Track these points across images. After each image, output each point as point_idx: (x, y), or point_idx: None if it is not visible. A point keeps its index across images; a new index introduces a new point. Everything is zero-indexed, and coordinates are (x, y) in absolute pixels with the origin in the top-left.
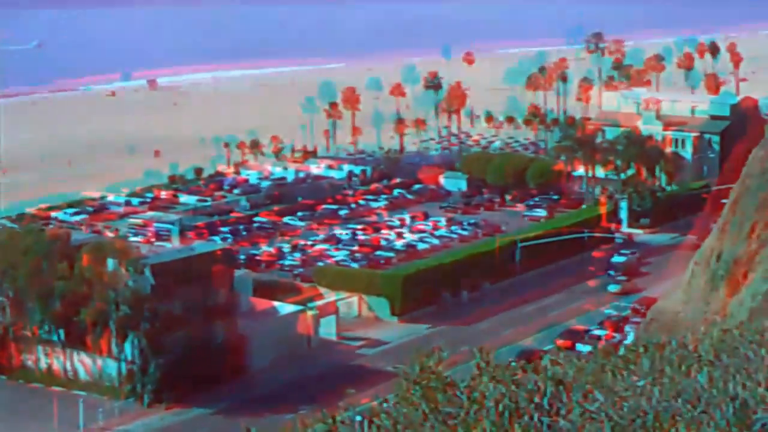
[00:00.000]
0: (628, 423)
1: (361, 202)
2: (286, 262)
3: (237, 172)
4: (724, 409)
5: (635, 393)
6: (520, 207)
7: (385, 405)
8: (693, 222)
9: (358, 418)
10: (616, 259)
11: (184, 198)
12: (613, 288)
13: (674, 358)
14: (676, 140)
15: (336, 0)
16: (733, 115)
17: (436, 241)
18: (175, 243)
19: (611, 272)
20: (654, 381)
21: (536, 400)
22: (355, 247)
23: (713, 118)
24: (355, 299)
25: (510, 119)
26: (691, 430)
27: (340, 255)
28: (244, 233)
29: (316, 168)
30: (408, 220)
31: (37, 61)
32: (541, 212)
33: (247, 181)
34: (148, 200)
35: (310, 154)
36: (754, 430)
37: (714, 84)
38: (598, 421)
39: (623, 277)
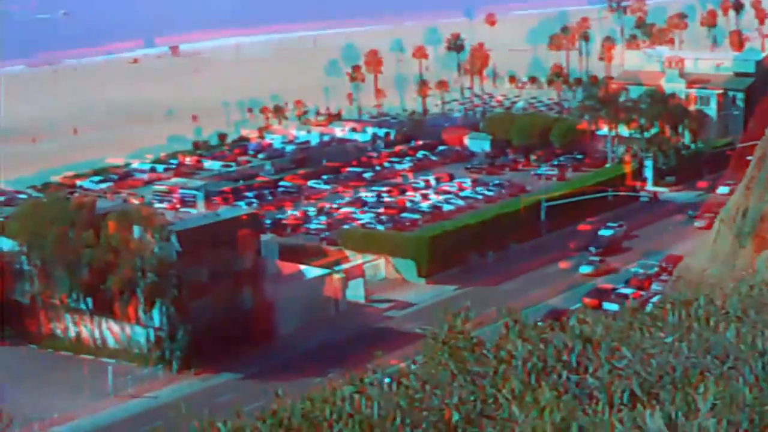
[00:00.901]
0: (656, 379)
1: (386, 164)
2: (312, 226)
3: (261, 137)
4: (753, 364)
5: (663, 350)
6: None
7: (413, 366)
8: (718, 179)
9: (387, 379)
10: (603, 232)
11: (208, 163)
12: (585, 269)
13: (702, 314)
14: (700, 98)
15: None
16: (758, 72)
17: (461, 202)
18: (201, 209)
19: (591, 249)
20: (682, 337)
21: (564, 358)
22: (381, 210)
23: (737, 75)
24: (381, 261)
25: (533, 79)
26: (719, 385)
27: (365, 217)
28: (270, 197)
29: (340, 131)
30: (433, 182)
31: (64, 29)
32: (552, 171)
33: (271, 145)
34: (173, 166)
35: (334, 118)
36: None
37: (738, 41)
38: (626, 378)
39: (596, 258)
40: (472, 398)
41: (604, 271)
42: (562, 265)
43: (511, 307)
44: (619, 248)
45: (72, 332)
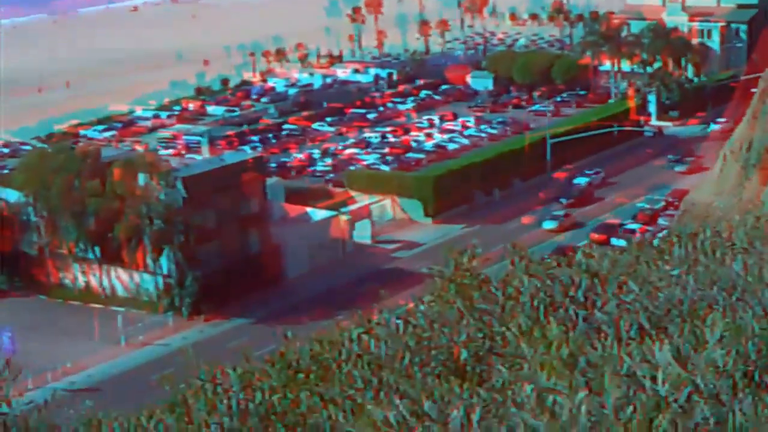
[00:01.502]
0: (664, 313)
1: (389, 104)
2: (317, 168)
3: (264, 81)
4: (760, 295)
5: (670, 283)
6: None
7: (421, 306)
8: (722, 112)
9: (396, 320)
10: (579, 180)
11: (212, 109)
12: (548, 225)
13: (708, 246)
14: (703, 31)
15: None
16: (761, 3)
17: (465, 141)
18: (205, 154)
19: (562, 200)
20: (688, 270)
21: (571, 293)
22: (386, 150)
23: (740, 6)
24: (388, 202)
25: (534, 16)
26: (726, 317)
27: (370, 158)
28: (274, 141)
29: (342, 72)
30: (437, 121)
31: None
32: (548, 108)
33: (274, 88)
34: (176, 113)
35: (336, 59)
36: None
37: None
38: (633, 312)
39: (560, 212)
40: (480, 335)
41: (569, 225)
42: (525, 220)
43: (516, 243)
44: (591, 198)
45: (81, 282)
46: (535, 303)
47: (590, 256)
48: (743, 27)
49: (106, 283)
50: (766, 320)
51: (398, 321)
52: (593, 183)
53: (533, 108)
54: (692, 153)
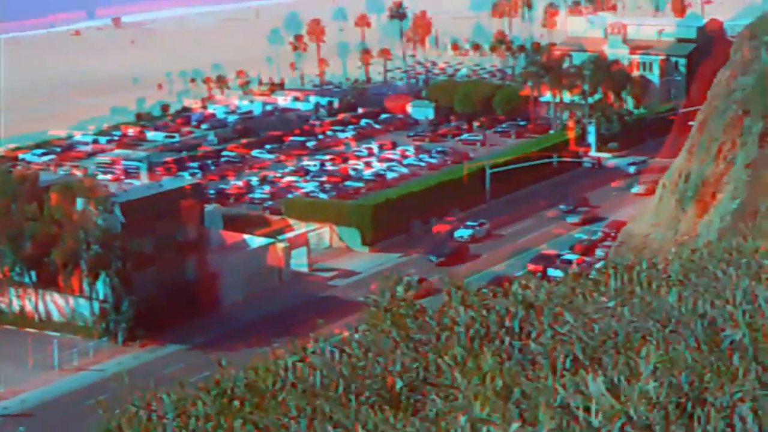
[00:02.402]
0: (599, 344)
1: (329, 132)
2: (256, 195)
3: (204, 107)
4: (694, 327)
5: (605, 314)
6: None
7: (356, 334)
8: (661, 144)
9: (330, 348)
10: (460, 233)
11: (151, 134)
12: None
13: (644, 278)
14: (643, 64)
15: None
16: (700, 38)
17: (404, 170)
18: (144, 180)
19: (432, 258)
20: (624, 301)
21: (507, 324)
22: (324, 178)
23: (680, 40)
24: (325, 230)
25: (476, 46)
26: (660, 348)
27: (309, 186)
28: (213, 167)
29: (282, 100)
30: (376, 150)
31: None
32: (478, 137)
33: (214, 115)
34: (116, 138)
35: (276, 87)
36: (723, 347)
37: (680, 6)
38: (568, 343)
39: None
40: (414, 365)
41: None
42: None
43: (453, 273)
44: (464, 257)
45: (16, 306)
46: (471, 333)
47: (526, 287)
48: (682, 60)
49: (41, 307)
50: (699, 352)
51: (333, 349)
52: (475, 236)
53: (461, 137)
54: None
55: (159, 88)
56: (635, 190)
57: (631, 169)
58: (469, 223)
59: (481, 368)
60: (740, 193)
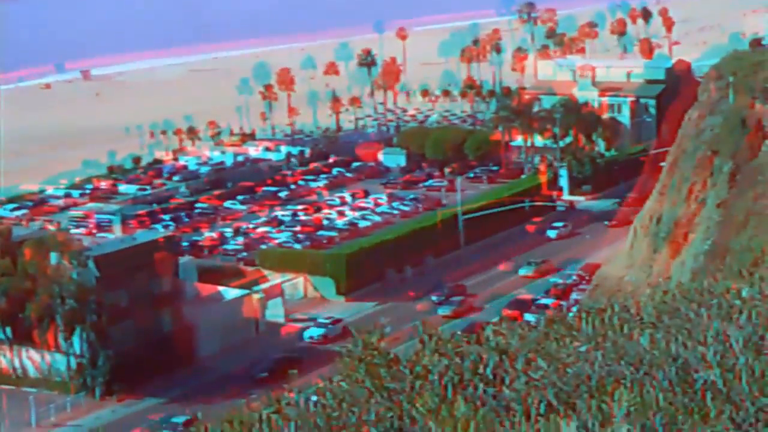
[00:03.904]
0: (573, 388)
1: (301, 182)
2: (229, 247)
3: (175, 159)
4: (667, 369)
5: (578, 358)
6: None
7: (330, 385)
8: (633, 186)
9: (305, 399)
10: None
11: (123, 187)
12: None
13: (616, 322)
14: (613, 105)
15: None
16: (668, 79)
17: (377, 218)
18: (117, 233)
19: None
20: (596, 345)
21: (480, 371)
22: (297, 228)
23: (649, 82)
24: (300, 280)
25: (446, 92)
26: (633, 391)
27: (282, 236)
28: (186, 219)
29: (254, 150)
30: (348, 198)
31: None
32: (442, 183)
33: (185, 167)
34: (88, 191)
35: (247, 137)
36: (696, 388)
37: (648, 48)
38: (542, 389)
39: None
40: (389, 414)
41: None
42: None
43: (426, 321)
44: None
45: None
46: (444, 381)
47: (499, 333)
48: (652, 102)
49: (17, 363)
50: (672, 394)
51: (307, 400)
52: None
53: (426, 183)
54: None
55: (151, 136)
56: (523, 272)
57: (552, 234)
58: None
59: (454, 416)
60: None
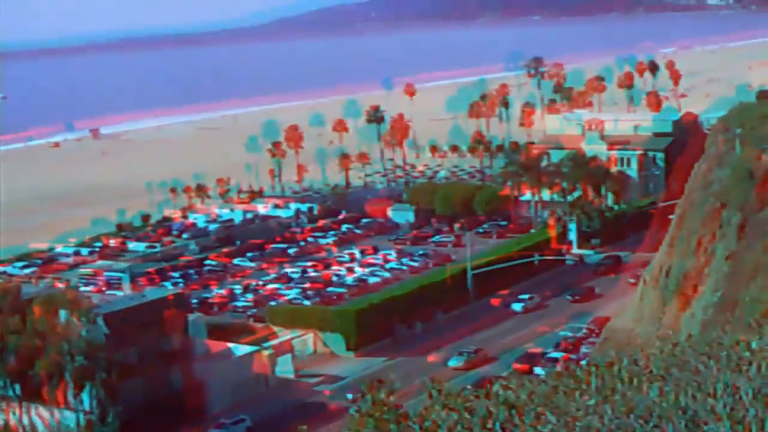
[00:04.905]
0: None
1: (310, 239)
2: (239, 304)
3: (185, 217)
4: (676, 422)
5: (587, 412)
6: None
7: None
8: (643, 239)
9: None
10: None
11: (133, 245)
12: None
13: (625, 375)
14: (621, 159)
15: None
16: (676, 131)
17: (387, 274)
18: (127, 291)
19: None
20: (605, 399)
21: (489, 425)
22: (307, 285)
23: (656, 135)
24: (309, 336)
25: (454, 148)
26: None
27: (292, 293)
28: (195, 277)
29: (263, 208)
30: (358, 255)
31: None
32: (449, 238)
33: (194, 224)
34: (97, 249)
35: (256, 195)
36: None
37: (655, 101)
38: None
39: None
40: None
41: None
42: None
43: (435, 376)
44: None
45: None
46: None
47: (508, 387)
48: (660, 155)
49: (26, 420)
50: None
51: None
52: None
53: (433, 239)
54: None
55: (172, 192)
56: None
57: (518, 307)
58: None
59: None
60: (721, 285)
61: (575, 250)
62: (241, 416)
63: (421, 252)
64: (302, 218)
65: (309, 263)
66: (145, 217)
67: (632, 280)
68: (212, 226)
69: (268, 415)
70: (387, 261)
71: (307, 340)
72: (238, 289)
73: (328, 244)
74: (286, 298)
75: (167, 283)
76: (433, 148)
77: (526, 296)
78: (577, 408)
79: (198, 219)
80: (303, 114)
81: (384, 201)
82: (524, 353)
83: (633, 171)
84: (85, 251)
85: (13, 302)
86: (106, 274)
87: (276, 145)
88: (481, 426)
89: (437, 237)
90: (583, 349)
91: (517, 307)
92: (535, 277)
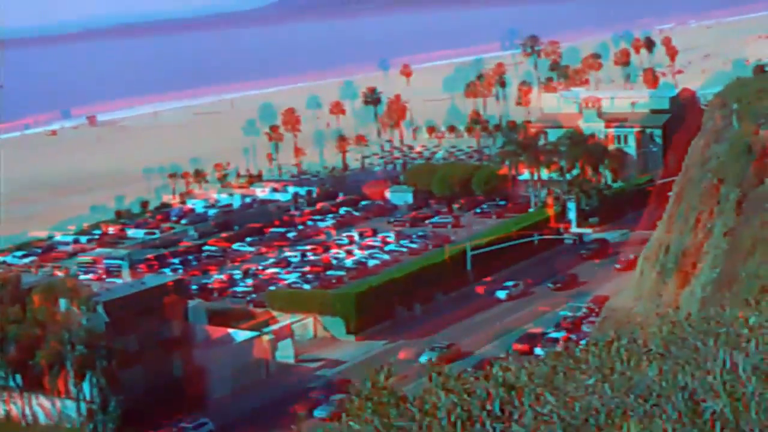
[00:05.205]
0: (581, 422)
1: (309, 222)
2: (239, 289)
3: (183, 202)
4: (675, 400)
5: (586, 392)
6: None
7: (339, 425)
8: (641, 216)
9: None
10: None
11: (131, 232)
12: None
13: (623, 353)
14: (619, 137)
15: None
16: (673, 108)
17: (386, 256)
18: (126, 278)
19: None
20: (604, 378)
21: (488, 407)
22: (306, 268)
23: (654, 111)
24: (309, 320)
25: (452, 128)
26: (642, 424)
27: (291, 277)
28: (195, 263)
29: (261, 192)
30: (356, 237)
31: None
32: (448, 219)
33: (193, 210)
34: (96, 237)
35: (254, 179)
36: (705, 418)
37: (652, 78)
38: (550, 423)
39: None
40: None
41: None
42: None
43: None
44: None
45: (1, 410)
46: (452, 418)
47: (507, 368)
48: (657, 131)
49: (27, 410)
50: (681, 424)
51: None
52: None
53: (432, 220)
54: None
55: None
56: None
57: (502, 295)
58: None
59: None
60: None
61: (574, 229)
62: (202, 420)
63: (420, 233)
64: (301, 202)
65: (308, 247)
66: (144, 204)
67: (618, 266)
68: (211, 212)
69: (269, 401)
70: (386, 243)
71: (307, 324)
72: (237, 274)
73: (326, 227)
74: (285, 282)
75: (167, 270)
76: (431, 129)
77: (510, 283)
78: (576, 387)
79: (196, 204)
80: (300, 97)
81: (382, 183)
82: (524, 334)
83: (631, 148)
84: (84, 239)
85: (12, 291)
86: (105, 261)
87: (273, 128)
88: (480, 407)
89: (436, 218)
90: (584, 329)
91: (501, 294)
92: (535, 256)
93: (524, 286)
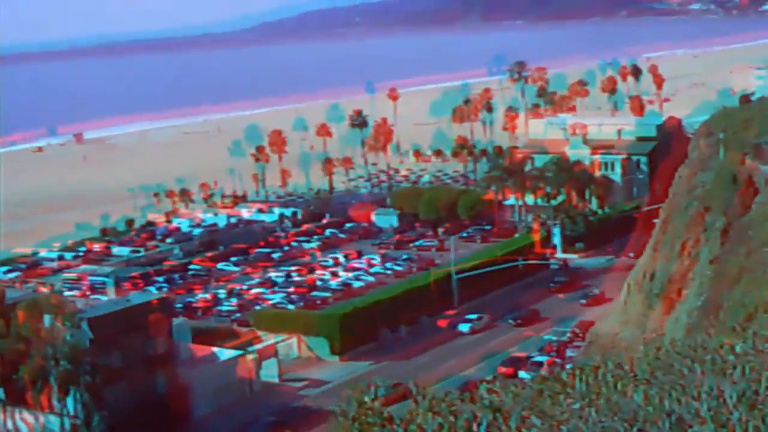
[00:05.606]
0: None
1: (294, 243)
2: (223, 308)
3: (168, 221)
4: (661, 425)
5: (572, 416)
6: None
7: None
8: (627, 243)
9: None
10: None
11: (117, 249)
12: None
13: (610, 378)
14: (605, 163)
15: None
16: (659, 136)
17: (371, 278)
18: (111, 295)
19: None
20: (590, 402)
21: (474, 429)
22: (291, 289)
23: (640, 139)
24: (294, 340)
25: (438, 152)
26: None
27: (276, 297)
28: (179, 281)
29: (246, 212)
30: (342, 259)
31: None
32: (433, 242)
33: (178, 229)
34: (81, 254)
35: (240, 199)
36: None
37: (638, 105)
38: None
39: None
40: None
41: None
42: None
43: (418, 381)
44: None
45: None
46: None
47: (493, 391)
48: (643, 159)
49: (10, 425)
50: None
51: None
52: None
53: (416, 243)
54: None
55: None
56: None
57: (465, 328)
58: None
59: None
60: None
61: (559, 255)
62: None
63: (405, 256)
64: (286, 223)
65: (293, 267)
66: (129, 222)
67: (583, 301)
68: (196, 231)
69: (252, 420)
70: (371, 265)
71: (291, 344)
72: (222, 293)
73: (312, 248)
74: (270, 302)
75: (151, 288)
76: (417, 153)
77: (473, 316)
78: (562, 412)
79: (182, 223)
80: (286, 118)
81: (368, 205)
82: (509, 357)
83: (617, 175)
84: (69, 256)
85: None
86: (90, 278)
87: (259, 149)
88: (466, 430)
89: (421, 241)
90: (569, 353)
91: (464, 328)
92: (520, 281)
93: (489, 319)
